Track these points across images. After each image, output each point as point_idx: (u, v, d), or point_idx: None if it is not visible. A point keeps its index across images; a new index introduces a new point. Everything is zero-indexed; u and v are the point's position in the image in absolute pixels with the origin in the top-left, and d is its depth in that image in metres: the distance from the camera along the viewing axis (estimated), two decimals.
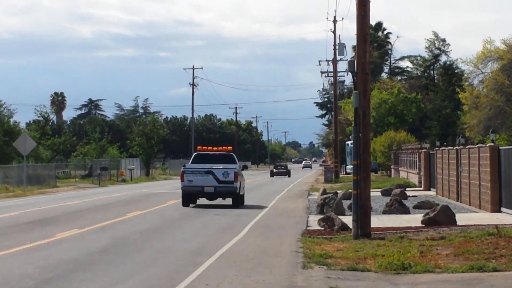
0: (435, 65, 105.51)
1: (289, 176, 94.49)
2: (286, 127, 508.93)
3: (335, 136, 79.96)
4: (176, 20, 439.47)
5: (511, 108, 67.93)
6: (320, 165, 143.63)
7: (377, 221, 26.03)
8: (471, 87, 74.56)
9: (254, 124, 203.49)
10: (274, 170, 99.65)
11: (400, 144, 70.54)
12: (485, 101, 70.04)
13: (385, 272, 15.86)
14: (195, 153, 38.78)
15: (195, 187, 36.26)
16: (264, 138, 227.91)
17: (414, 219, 26.59)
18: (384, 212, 30.13)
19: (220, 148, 39.49)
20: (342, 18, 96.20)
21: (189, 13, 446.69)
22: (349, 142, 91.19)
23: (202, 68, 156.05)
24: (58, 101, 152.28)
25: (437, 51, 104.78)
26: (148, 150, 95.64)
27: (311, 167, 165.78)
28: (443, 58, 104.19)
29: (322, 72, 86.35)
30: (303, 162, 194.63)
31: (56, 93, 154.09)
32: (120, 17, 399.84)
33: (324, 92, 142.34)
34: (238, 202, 37.02)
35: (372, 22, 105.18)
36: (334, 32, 79.37)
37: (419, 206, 32.36)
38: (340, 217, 25.51)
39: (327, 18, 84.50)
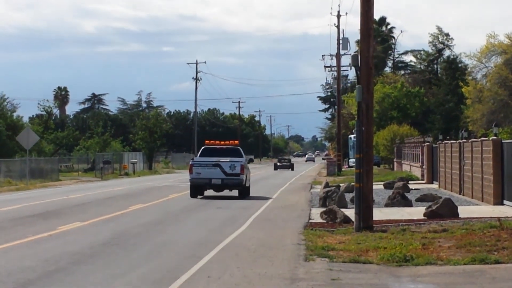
0: (439, 59, 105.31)
1: (293, 169, 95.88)
2: (289, 121, 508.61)
3: (338, 130, 79.93)
4: (180, 15, 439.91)
5: None
6: (323, 159, 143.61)
7: (380, 213, 26.03)
8: (475, 81, 74.52)
9: (257, 118, 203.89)
10: (278, 164, 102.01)
11: (403, 137, 70.48)
12: (488, 95, 70.04)
13: (387, 264, 15.86)
14: (203, 147, 39.97)
15: (203, 179, 37.44)
16: (267, 132, 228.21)
17: (417, 212, 26.59)
18: (387, 205, 30.11)
19: (227, 142, 40.73)
20: (346, 13, 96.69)
21: (193, 8, 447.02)
22: (352, 136, 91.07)
23: (205, 62, 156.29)
24: (62, 95, 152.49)
25: (440, 46, 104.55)
26: (151, 144, 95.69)
27: (314, 161, 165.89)
28: (446, 53, 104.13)
29: (325, 67, 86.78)
30: (306, 156, 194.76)
31: (59, 88, 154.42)
32: (124, 12, 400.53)
33: (327, 86, 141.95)
34: (244, 193, 38.22)
35: (376, 16, 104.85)
36: (337, 26, 79.33)
37: (422, 199, 32.35)
38: (342, 210, 25.51)
39: (331, 13, 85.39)
